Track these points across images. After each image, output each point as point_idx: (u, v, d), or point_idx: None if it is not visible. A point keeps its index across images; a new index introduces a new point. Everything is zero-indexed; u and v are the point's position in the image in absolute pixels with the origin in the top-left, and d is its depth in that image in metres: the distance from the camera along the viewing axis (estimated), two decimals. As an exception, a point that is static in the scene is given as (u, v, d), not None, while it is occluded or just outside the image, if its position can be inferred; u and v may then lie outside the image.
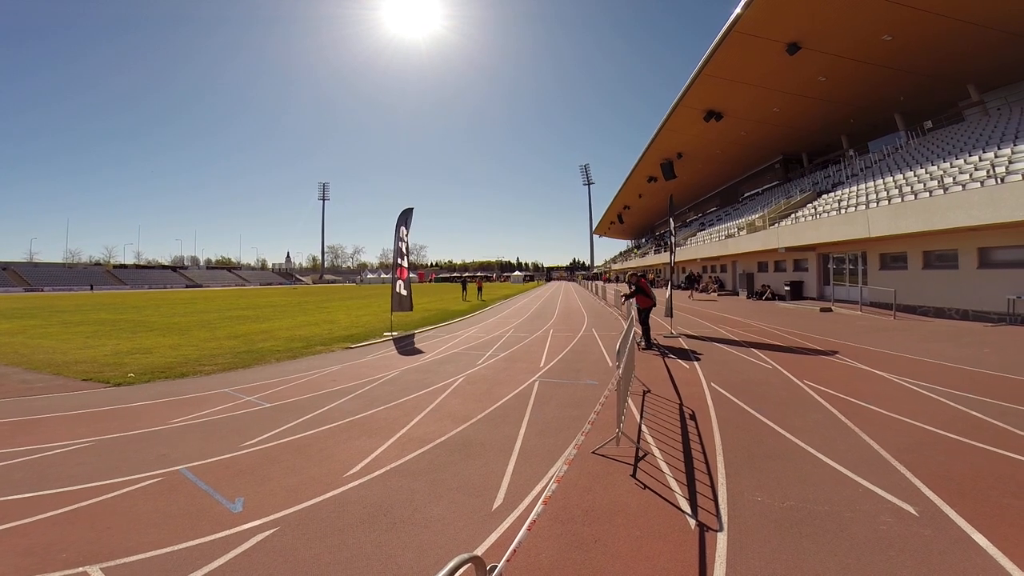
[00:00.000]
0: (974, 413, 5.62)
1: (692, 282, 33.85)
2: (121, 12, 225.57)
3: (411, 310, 15.60)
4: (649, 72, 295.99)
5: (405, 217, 14.64)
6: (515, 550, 1.85)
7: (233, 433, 5.56)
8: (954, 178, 15.94)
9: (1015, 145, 15.58)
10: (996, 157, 15.53)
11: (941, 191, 15.59)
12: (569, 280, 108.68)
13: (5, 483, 4.27)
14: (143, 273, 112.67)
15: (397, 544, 3.21)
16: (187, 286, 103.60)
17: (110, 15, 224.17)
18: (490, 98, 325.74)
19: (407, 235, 14.77)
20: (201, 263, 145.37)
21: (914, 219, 15.36)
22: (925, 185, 17.13)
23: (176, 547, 3.20)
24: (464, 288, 38.48)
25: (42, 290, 78.45)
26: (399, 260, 14.65)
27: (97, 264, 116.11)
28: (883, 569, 2.81)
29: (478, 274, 68.15)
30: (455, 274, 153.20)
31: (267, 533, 3.36)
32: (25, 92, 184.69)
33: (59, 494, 4.03)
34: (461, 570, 1.53)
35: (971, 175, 15.31)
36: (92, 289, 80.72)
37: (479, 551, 3.12)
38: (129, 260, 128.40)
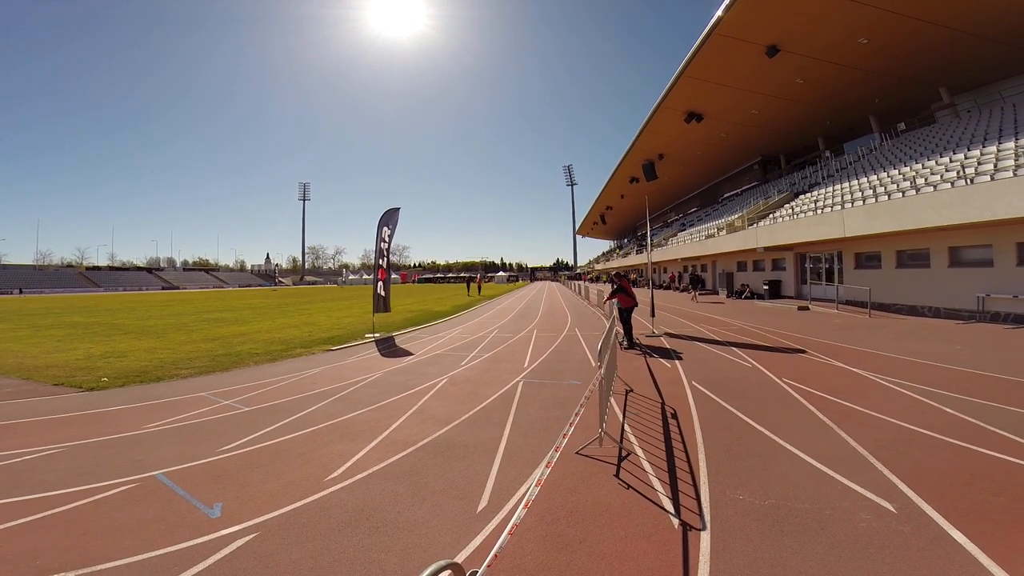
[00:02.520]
0: (948, 410, 5.75)
1: (696, 283, 29.91)
2: (97, 9, 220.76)
3: (387, 311, 15.42)
4: (632, 73, 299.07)
5: (387, 218, 14.51)
6: (496, 555, 1.83)
7: (211, 437, 5.45)
8: (926, 179, 16.34)
9: (984, 147, 16.05)
10: (966, 158, 15.97)
11: (913, 192, 15.96)
12: (553, 280, 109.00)
13: (-29, 492, 4.12)
14: (117, 275, 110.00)
15: (380, 548, 3.17)
16: (163, 288, 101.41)
17: (85, 12, 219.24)
18: (474, 98, 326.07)
19: (390, 236, 14.64)
20: (178, 264, 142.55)
21: (888, 219, 15.71)
22: (898, 186, 17.54)
23: (153, 553, 3.11)
24: (468, 286, 52.86)
25: (11, 293, 76.20)
26: (379, 261, 14.54)
27: (69, 266, 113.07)
28: (863, 566, 2.85)
29: (479, 274, 77.65)
30: (439, 275, 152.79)
31: (247, 539, 3.29)
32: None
33: (31, 500, 3.91)
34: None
35: (942, 176, 15.72)
36: (21, 293, 75.86)
37: (464, 554, 3.10)
38: (103, 262, 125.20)
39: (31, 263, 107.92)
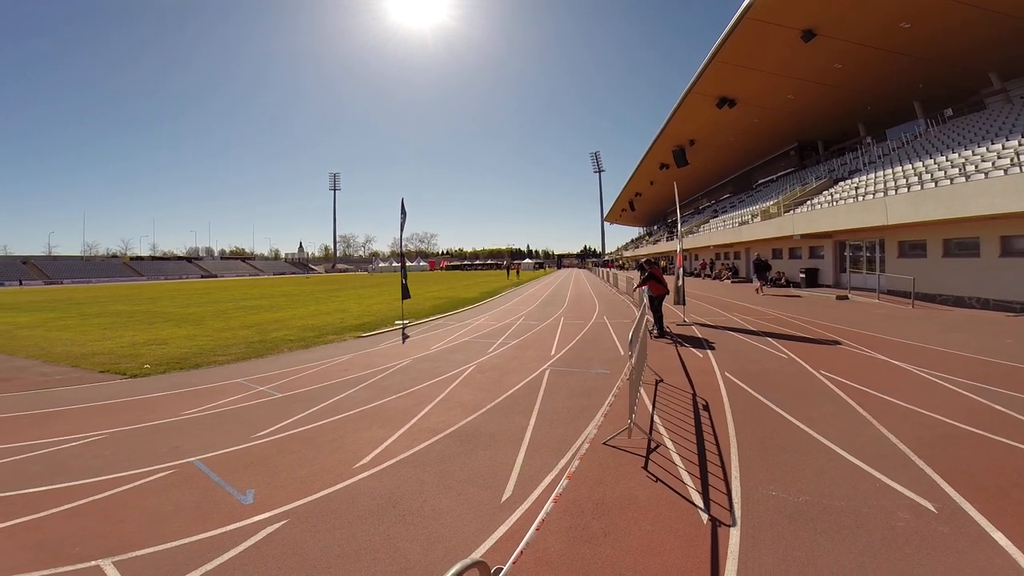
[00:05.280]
0: (996, 406, 5.48)
1: (762, 269, 22.49)
2: (130, 4, 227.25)
3: (407, 297, 15.56)
4: (660, 58, 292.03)
5: (403, 207, 14.77)
6: (522, 551, 1.81)
7: (245, 424, 5.60)
8: (976, 166, 15.54)
9: (1039, 132, 15.14)
10: (1020, 145, 15.09)
11: (963, 179, 15.20)
12: (580, 267, 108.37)
13: (22, 476, 4.33)
14: (159, 264, 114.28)
15: (405, 537, 3.20)
16: (202, 276, 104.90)
17: (120, 7, 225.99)
18: (500, 86, 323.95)
19: (403, 225, 14.92)
20: (215, 254, 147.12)
21: (935, 207, 15.03)
22: (946, 173, 16.72)
23: (187, 540, 3.22)
24: (508, 271, 64.02)
25: (61, 282, 79.81)
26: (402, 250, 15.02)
27: (114, 256, 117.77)
28: (899, 568, 2.74)
29: (516, 262, 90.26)
30: (466, 262, 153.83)
31: (277, 525, 3.37)
32: (39, 86, 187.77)
33: (73, 487, 4.07)
34: (464, 574, 1.49)
35: (994, 163, 14.91)
36: (21, 284, 75.68)
37: (487, 544, 3.10)
38: (145, 252, 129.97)
39: (79, 254, 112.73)
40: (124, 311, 21.31)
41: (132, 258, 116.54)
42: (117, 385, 7.77)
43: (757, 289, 22.41)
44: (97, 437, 5.28)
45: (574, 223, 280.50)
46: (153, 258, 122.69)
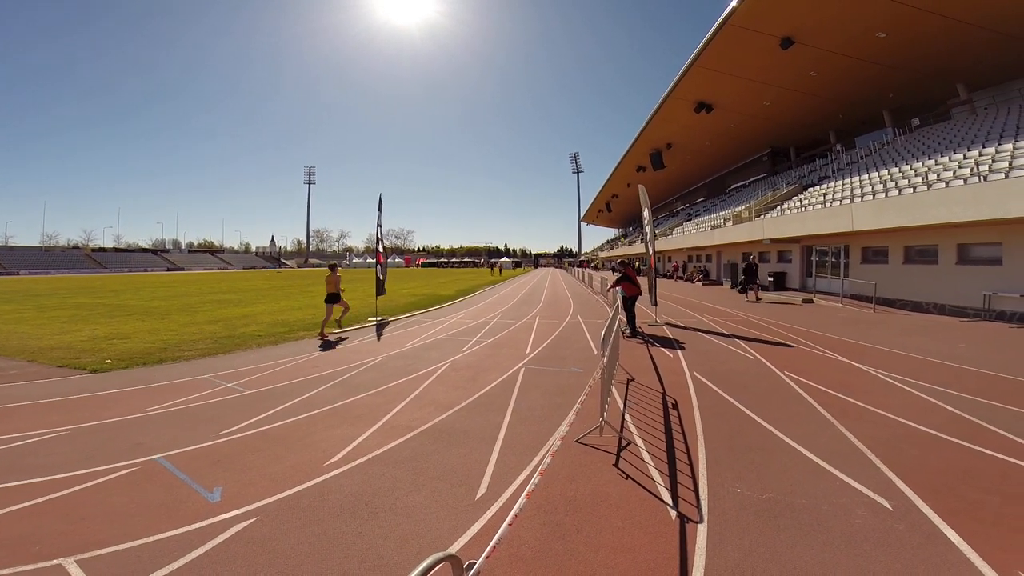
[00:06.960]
0: (949, 408, 5.72)
1: (751, 276, 20.39)
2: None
3: (383, 293, 15.44)
4: (642, 61, 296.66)
5: (380, 204, 14.74)
6: (495, 546, 1.83)
7: (212, 421, 5.48)
8: (938, 175, 16.14)
9: (999, 144, 15.81)
10: (980, 155, 15.74)
11: (925, 187, 15.78)
12: (556, 267, 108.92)
13: (-25, 470, 4.15)
14: (123, 256, 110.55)
15: (378, 534, 3.19)
16: (168, 269, 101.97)
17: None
18: (481, 84, 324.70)
19: (382, 220, 14.86)
20: (183, 246, 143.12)
21: (897, 214, 15.55)
22: (910, 181, 17.34)
23: (152, 538, 3.14)
24: (491, 269, 69.28)
25: (18, 273, 76.66)
26: (378, 246, 14.83)
27: (76, 247, 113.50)
28: (857, 563, 2.85)
29: (499, 261, 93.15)
30: (442, 259, 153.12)
31: (246, 523, 3.31)
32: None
33: (32, 485, 3.93)
34: (436, 569, 1.49)
35: (955, 172, 15.53)
36: None
37: (461, 542, 3.11)
38: (109, 243, 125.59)
39: (38, 244, 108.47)
40: (85, 303, 20.58)
41: (95, 249, 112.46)
42: (76, 380, 7.50)
43: (754, 298, 20.07)
44: (55, 434, 5.09)
45: (552, 223, 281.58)
46: (117, 250, 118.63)
